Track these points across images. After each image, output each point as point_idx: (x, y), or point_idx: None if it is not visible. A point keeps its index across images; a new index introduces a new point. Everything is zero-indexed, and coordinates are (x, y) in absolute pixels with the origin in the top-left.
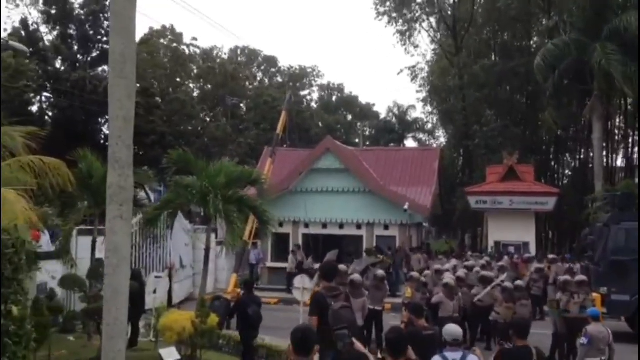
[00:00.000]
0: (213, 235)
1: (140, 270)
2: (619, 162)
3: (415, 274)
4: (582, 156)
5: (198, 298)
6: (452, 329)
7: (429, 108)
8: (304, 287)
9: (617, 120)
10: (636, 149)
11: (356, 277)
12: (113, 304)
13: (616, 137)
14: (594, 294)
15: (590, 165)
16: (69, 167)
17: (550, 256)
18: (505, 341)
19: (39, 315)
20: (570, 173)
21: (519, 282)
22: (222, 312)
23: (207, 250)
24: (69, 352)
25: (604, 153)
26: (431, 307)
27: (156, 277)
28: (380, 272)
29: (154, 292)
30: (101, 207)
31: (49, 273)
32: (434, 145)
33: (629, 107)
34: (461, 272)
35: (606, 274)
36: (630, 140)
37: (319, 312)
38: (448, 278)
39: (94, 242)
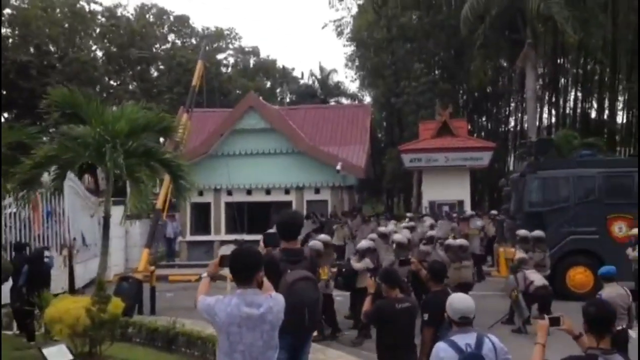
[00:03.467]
0: (122, 207)
1: (42, 250)
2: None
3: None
4: (514, 109)
5: (97, 280)
6: (459, 302)
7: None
8: None
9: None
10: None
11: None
12: None
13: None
14: (507, 250)
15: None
16: None
17: (493, 212)
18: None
19: None
20: (503, 128)
21: (462, 241)
22: (132, 294)
23: (106, 218)
24: None
25: (538, 107)
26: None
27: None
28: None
29: None
30: None
31: None
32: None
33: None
34: (404, 234)
35: (522, 227)
36: (564, 95)
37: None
38: (398, 237)
39: None
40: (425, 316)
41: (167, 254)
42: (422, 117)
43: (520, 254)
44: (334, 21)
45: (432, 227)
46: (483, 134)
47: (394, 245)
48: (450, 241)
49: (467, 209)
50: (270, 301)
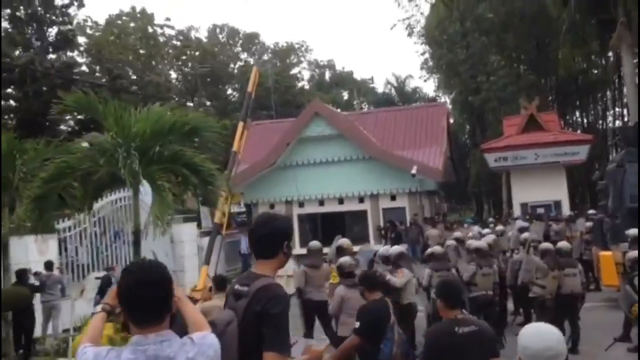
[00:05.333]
0: (193, 224)
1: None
2: None
3: (437, 247)
4: (611, 98)
5: None
6: (532, 339)
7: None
8: (287, 274)
9: None
10: None
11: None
12: None
13: None
14: (608, 253)
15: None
16: None
17: (591, 211)
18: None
19: None
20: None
21: (563, 244)
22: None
23: (136, 233)
24: None
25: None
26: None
27: (97, 278)
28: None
29: (81, 294)
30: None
31: None
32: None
33: None
34: (489, 239)
35: (624, 226)
36: None
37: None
38: (476, 243)
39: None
40: (357, 324)
41: (242, 270)
42: (505, 113)
43: (632, 256)
44: (403, 20)
45: (521, 230)
46: (579, 130)
47: (472, 253)
48: (546, 245)
49: (565, 209)
50: (191, 349)
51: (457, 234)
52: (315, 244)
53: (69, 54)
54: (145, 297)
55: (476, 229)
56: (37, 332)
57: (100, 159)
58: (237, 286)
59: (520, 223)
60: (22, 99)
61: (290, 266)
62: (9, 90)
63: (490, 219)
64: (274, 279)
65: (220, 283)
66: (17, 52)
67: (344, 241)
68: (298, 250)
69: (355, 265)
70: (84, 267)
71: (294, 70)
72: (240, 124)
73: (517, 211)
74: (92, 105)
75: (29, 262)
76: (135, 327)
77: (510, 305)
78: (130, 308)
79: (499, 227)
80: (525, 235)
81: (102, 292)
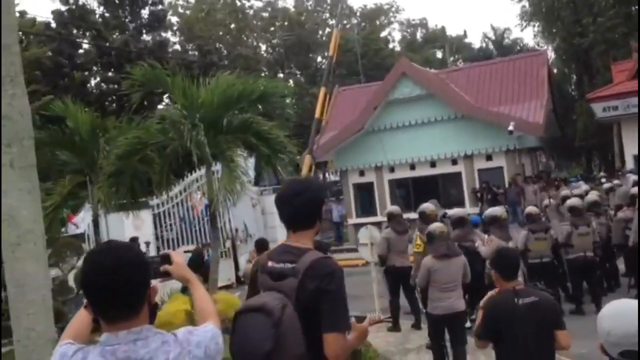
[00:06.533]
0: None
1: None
2: None
3: (532, 208)
4: None
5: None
6: (619, 323)
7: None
8: (371, 242)
9: None
10: None
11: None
12: (22, 308)
13: None
14: None
15: None
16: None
17: None
18: None
19: None
20: None
21: None
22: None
23: (210, 204)
24: None
25: None
26: (557, 251)
27: (185, 251)
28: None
29: None
30: (95, 170)
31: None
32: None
33: None
34: (593, 195)
35: None
36: None
37: None
38: (571, 200)
39: (95, 219)
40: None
41: (336, 238)
42: (614, 59)
43: None
44: None
45: (633, 185)
46: None
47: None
48: None
49: None
50: (172, 348)
51: (565, 191)
52: (395, 208)
53: (163, 34)
54: (110, 286)
55: (584, 186)
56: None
57: (170, 132)
58: (272, 264)
59: (632, 177)
60: (120, 82)
61: (375, 233)
62: (110, 74)
63: (602, 174)
64: (317, 251)
65: (262, 245)
66: (113, 36)
67: (426, 206)
68: None
69: (447, 233)
70: (176, 241)
71: (384, 33)
72: (322, 90)
73: (629, 164)
74: (160, 78)
75: (125, 238)
76: (104, 323)
77: (622, 267)
78: (93, 300)
79: (607, 184)
80: (633, 190)
81: (191, 268)
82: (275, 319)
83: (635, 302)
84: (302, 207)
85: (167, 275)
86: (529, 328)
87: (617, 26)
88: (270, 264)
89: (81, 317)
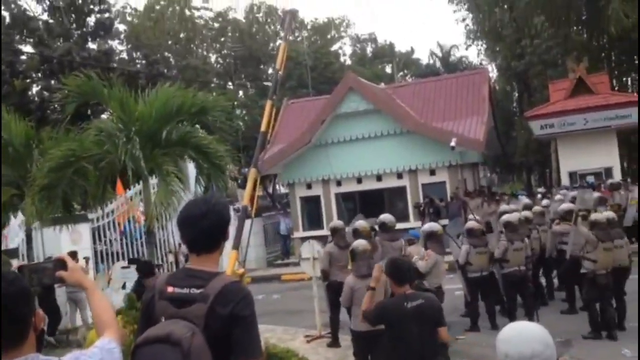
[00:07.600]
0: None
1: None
2: None
3: (473, 223)
4: None
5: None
6: (512, 342)
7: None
8: (313, 256)
9: None
10: None
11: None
12: None
13: None
14: None
15: None
16: None
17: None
18: (605, 304)
19: None
20: None
21: (609, 214)
22: None
23: (148, 222)
24: None
25: None
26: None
27: (122, 267)
28: None
29: (123, 287)
30: (28, 183)
31: None
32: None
33: None
34: (526, 212)
35: None
36: None
37: None
38: (506, 216)
39: (28, 233)
40: None
41: (282, 251)
42: (551, 78)
43: None
44: None
45: (561, 200)
46: (635, 93)
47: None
48: (596, 216)
49: (617, 177)
50: None
51: (504, 206)
52: (338, 223)
53: (109, 42)
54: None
55: (525, 201)
56: (67, 323)
57: (106, 144)
58: (174, 289)
59: (563, 192)
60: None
61: (317, 247)
62: (53, 82)
63: (540, 190)
64: (227, 275)
65: (147, 269)
66: (58, 44)
67: (359, 223)
68: None
69: (371, 250)
70: (117, 255)
71: (335, 47)
72: (269, 103)
73: (565, 181)
74: (95, 89)
75: (61, 252)
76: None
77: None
78: None
79: (545, 201)
80: (571, 206)
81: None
82: (185, 350)
83: (532, 324)
84: (207, 229)
85: (61, 282)
86: (415, 326)
87: (552, 47)
88: (170, 289)
89: None
